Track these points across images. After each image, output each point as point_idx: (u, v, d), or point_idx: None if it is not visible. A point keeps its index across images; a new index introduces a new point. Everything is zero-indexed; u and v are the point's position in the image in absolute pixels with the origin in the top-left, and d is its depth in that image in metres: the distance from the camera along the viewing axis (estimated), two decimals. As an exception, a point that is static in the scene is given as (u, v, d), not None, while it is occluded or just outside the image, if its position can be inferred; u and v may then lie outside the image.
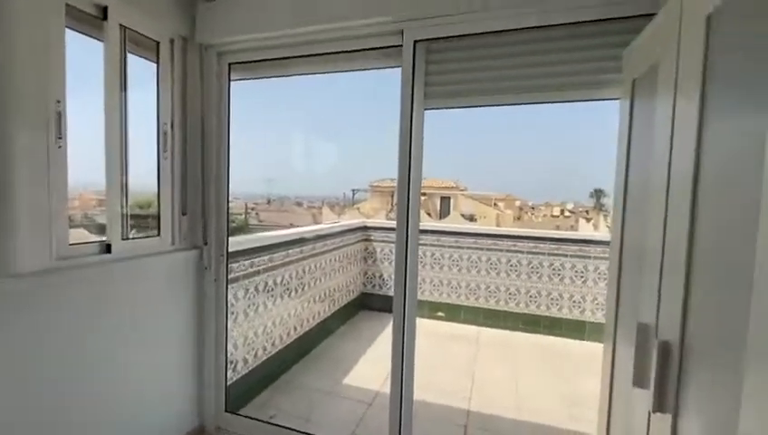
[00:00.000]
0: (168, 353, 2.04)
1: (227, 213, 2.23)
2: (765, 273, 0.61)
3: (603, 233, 7.39)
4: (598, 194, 35.68)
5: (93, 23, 1.71)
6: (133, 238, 1.94)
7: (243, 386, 2.63)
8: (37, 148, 1.46)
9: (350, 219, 5.81)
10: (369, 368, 3.35)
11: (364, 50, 1.90)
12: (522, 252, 4.57)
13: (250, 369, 2.72)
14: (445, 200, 25.89)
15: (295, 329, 3.37)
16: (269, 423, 2.29)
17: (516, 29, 1.62)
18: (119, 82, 1.79)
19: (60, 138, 1.53)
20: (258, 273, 2.82)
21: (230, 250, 2.30)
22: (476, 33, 1.68)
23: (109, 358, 1.72)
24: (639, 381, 1.02)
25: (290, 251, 3.28)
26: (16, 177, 1.40)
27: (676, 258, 0.91)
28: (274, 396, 2.80)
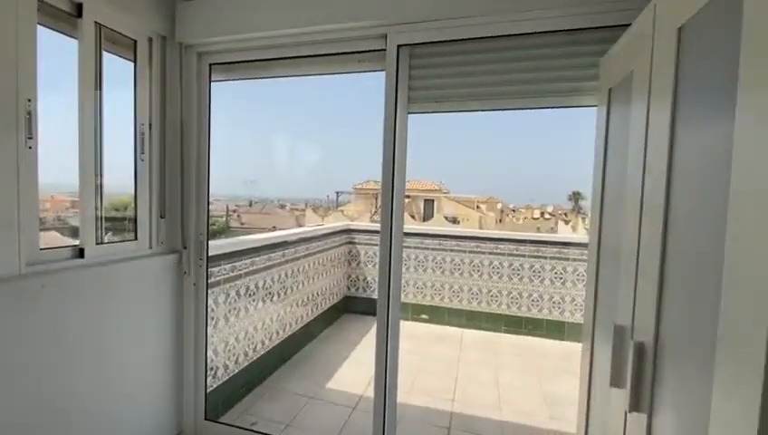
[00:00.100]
0: (145, 361, 1.98)
1: (207, 216, 2.19)
2: (733, 274, 0.64)
3: (581, 235, 7.58)
4: (576, 197, 36.62)
5: (67, 20, 1.66)
6: (108, 242, 1.88)
7: (223, 392, 2.57)
8: (5, 148, 1.39)
9: (334, 222, 5.78)
10: (353, 371, 3.33)
11: (347, 53, 1.90)
12: (503, 254, 4.64)
13: (231, 375, 2.67)
14: (428, 203, 26.08)
15: (278, 333, 3.32)
16: (250, 430, 2.25)
17: (498, 36, 1.65)
18: (94, 81, 1.74)
19: (30, 138, 1.47)
20: (240, 277, 2.77)
21: (210, 254, 2.26)
22: (459, 40, 1.70)
23: (82, 367, 1.66)
24: (616, 381, 1.05)
25: (272, 254, 3.23)
26: (-18, 179, 1.33)
27: (651, 261, 0.94)
28: (256, 402, 2.76)
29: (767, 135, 0.57)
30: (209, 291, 2.27)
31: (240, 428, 2.25)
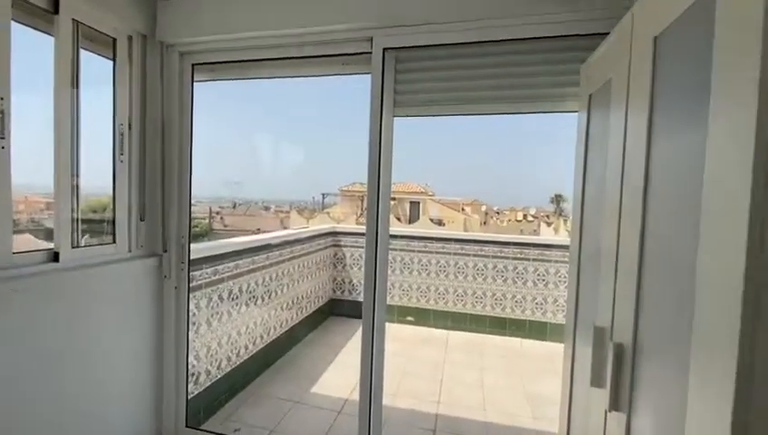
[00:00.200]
0: (124, 368, 1.93)
1: (189, 218, 2.15)
2: (706, 276, 0.66)
3: (563, 237, 7.72)
4: (557, 199, 37.39)
5: (43, 16, 1.61)
6: (85, 246, 1.82)
7: (205, 399, 2.52)
8: (-25, 148, 1.34)
9: (319, 224, 5.75)
10: (338, 375, 3.31)
11: (333, 56, 1.90)
12: (488, 256, 4.69)
13: (213, 381, 2.61)
14: (414, 205, 26.19)
15: (262, 338, 3.28)
16: (233, 437, 2.21)
17: (482, 42, 1.68)
18: (70, 80, 1.68)
19: (2, 137, 1.42)
20: (222, 280, 2.72)
21: (192, 257, 2.21)
22: (444, 44, 1.72)
23: (55, 375, 1.60)
24: (597, 381, 1.07)
25: (256, 257, 3.19)
26: (-50, 179, 1.28)
27: (629, 264, 0.97)
28: (239, 408, 2.71)
29: (737, 141, 0.59)
30: (191, 295, 2.22)
31: None
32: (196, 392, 2.42)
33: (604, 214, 1.18)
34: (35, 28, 1.63)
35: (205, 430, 2.23)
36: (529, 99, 1.74)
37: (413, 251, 4.91)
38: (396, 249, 4.92)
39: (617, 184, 1.07)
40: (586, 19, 1.54)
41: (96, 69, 1.88)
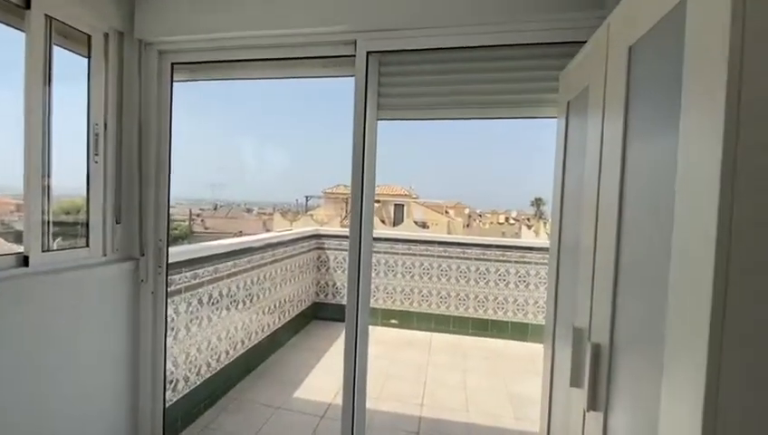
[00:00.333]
0: (98, 376, 1.86)
1: (168, 221, 2.09)
2: (677, 277, 0.68)
3: (543, 239, 7.87)
4: (538, 202, 38.16)
5: (14, 11, 1.55)
6: (57, 249, 1.75)
7: (184, 406, 2.45)
8: (-63, 147, 1.28)
9: (303, 227, 5.70)
10: (322, 379, 3.28)
11: (316, 57, 1.89)
12: (470, 259, 4.74)
13: (192, 388, 2.55)
14: (399, 208, 26.25)
15: (243, 343, 3.22)
16: (213, 445, 2.15)
17: (465, 47, 1.70)
18: (42, 77, 1.62)
19: (-33, 136, 1.35)
20: (202, 284, 2.66)
21: (171, 261, 2.16)
22: (428, 49, 1.74)
23: (22, 386, 1.53)
24: (575, 381, 1.09)
25: (237, 261, 3.14)
26: None
27: (606, 265, 1.00)
28: (220, 415, 2.65)
29: (705, 146, 0.62)
30: (169, 300, 2.16)
31: (201, 442, 2.16)
32: (174, 400, 2.36)
33: (582, 217, 1.21)
34: (6, 23, 1.57)
35: (183, 439, 2.17)
36: (509, 104, 1.77)
37: (397, 254, 4.92)
38: (380, 252, 4.91)
39: (594, 188, 1.10)
40: (565, 27, 1.58)
41: (70, 66, 1.82)
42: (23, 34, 1.56)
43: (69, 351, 1.71)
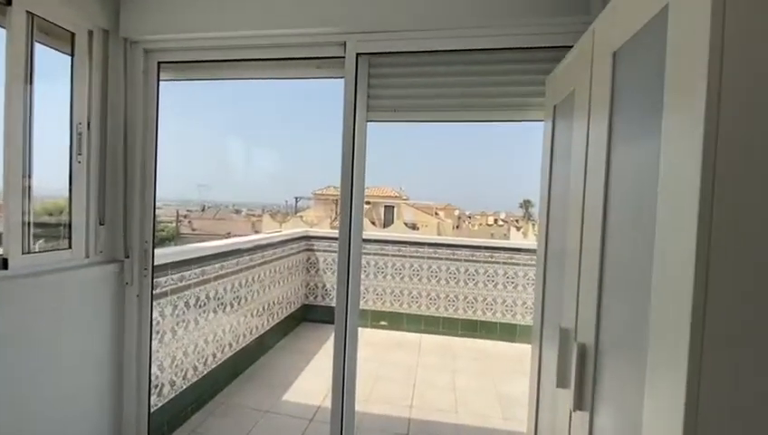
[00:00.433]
0: (80, 379, 1.81)
1: (154, 222, 2.06)
2: (659, 278, 0.70)
3: (531, 241, 7.96)
4: (526, 204, 38.62)
5: (-6, 7, 1.51)
6: (38, 251, 1.71)
7: (170, 411, 2.41)
8: None
9: (292, 228, 5.66)
10: (311, 382, 3.26)
11: (305, 58, 1.88)
12: (460, 260, 4.76)
13: (178, 392, 2.51)
14: (389, 209, 26.28)
15: (230, 346, 3.18)
16: (199, 449, 2.12)
17: (454, 50, 1.71)
18: (23, 75, 1.58)
19: (-57, 135, 1.31)
20: (189, 287, 2.62)
21: (157, 263, 2.12)
22: (417, 51, 1.74)
23: (7, 386, 1.49)
24: (562, 381, 1.10)
25: (225, 263, 3.10)
26: None
27: (591, 267, 1.01)
28: (207, 420, 2.61)
29: (686, 148, 0.63)
30: (155, 302, 2.13)
31: (188, 448, 2.12)
32: (160, 404, 2.31)
33: (568, 219, 1.23)
34: (-16, 20, 1.53)
35: (169, 444, 2.14)
36: (498, 107, 1.79)
37: (387, 255, 4.92)
38: (370, 253, 4.91)
39: (579, 190, 1.12)
40: (553, 32, 1.60)
41: (53, 64, 1.78)
42: (3, 31, 1.52)
43: (50, 354, 1.67)
